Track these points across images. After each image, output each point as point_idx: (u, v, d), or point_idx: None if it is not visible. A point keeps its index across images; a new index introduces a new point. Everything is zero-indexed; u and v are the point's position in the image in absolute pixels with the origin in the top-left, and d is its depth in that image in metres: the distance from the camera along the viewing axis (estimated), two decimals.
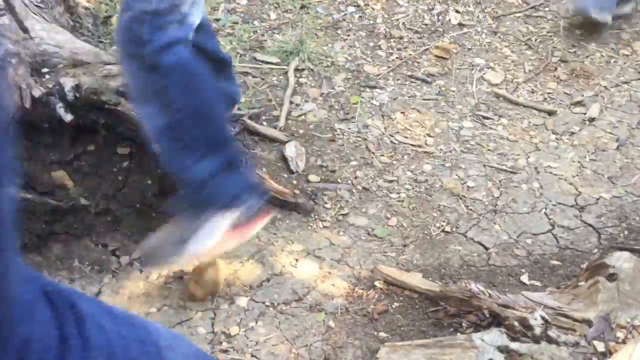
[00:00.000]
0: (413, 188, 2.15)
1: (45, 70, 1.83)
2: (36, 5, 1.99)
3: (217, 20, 2.76)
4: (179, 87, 1.53)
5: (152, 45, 1.49)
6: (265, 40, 2.70)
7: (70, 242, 1.80)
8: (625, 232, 1.96)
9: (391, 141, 2.32)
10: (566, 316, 1.42)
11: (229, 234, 1.60)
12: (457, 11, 2.92)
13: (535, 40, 2.81)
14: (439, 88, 2.57)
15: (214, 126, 1.60)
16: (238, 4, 2.86)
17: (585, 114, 2.45)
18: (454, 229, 2.01)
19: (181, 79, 1.53)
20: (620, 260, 1.45)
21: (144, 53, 1.50)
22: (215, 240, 1.58)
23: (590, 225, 2.01)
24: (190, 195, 1.61)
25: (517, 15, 2.94)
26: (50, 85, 1.80)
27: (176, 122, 1.55)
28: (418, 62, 2.68)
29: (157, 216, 1.91)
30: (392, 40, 2.77)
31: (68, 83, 1.78)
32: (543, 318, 1.40)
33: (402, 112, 2.44)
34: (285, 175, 2.14)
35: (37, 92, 1.76)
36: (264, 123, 2.33)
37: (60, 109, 1.77)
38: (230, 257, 1.85)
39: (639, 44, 2.80)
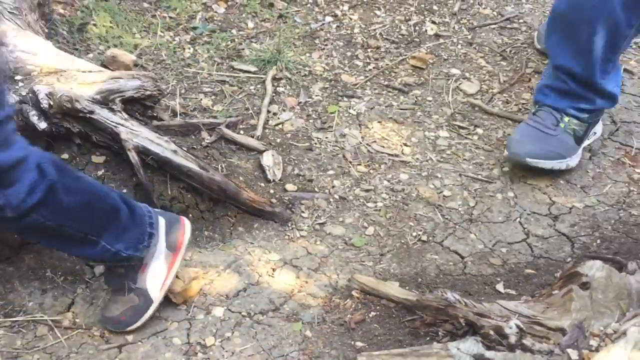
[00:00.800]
0: (390, 197, 2.16)
1: (18, 77, 1.80)
2: (9, 12, 1.97)
3: (194, 28, 2.75)
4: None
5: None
6: (243, 49, 2.70)
7: (42, 253, 1.77)
8: (598, 241, 1.99)
9: (368, 150, 2.33)
10: (540, 324, 1.43)
11: (166, 265, 1.62)
12: (433, 22, 2.95)
13: (510, 51, 2.86)
14: (416, 98, 2.59)
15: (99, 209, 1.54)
16: (215, 12, 2.85)
17: None
18: (431, 238, 2.03)
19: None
20: (593, 269, 1.48)
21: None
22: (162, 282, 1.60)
23: (563, 234, 2.04)
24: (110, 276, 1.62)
25: (492, 26, 2.98)
26: (24, 93, 1.77)
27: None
28: (395, 72, 2.70)
29: None
30: (369, 50, 2.79)
31: (42, 91, 1.75)
32: (518, 327, 1.41)
33: (379, 122, 2.46)
34: (262, 184, 2.14)
35: (11, 100, 1.73)
36: (241, 132, 2.32)
37: (33, 117, 1.74)
38: (207, 267, 1.84)
39: None
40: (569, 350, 1.38)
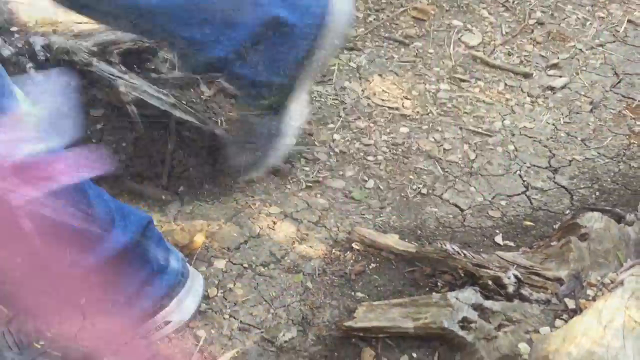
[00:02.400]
0: (390, 151, 2.16)
1: (14, 28, 1.77)
2: None
3: None
4: None
5: None
6: None
7: None
8: (597, 194, 2.00)
9: (368, 104, 2.32)
10: (538, 275, 1.45)
11: None
12: None
13: (513, 2, 2.80)
14: (417, 50, 2.56)
15: None
16: None
17: (560, 76, 2.47)
18: (430, 191, 2.03)
19: None
20: (592, 221, 1.49)
21: None
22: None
23: (563, 186, 2.05)
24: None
25: None
26: (20, 45, 1.75)
27: None
28: (396, 24, 2.66)
29: (132, 179, 1.89)
30: (369, 1, 2.73)
31: (38, 42, 1.73)
32: (516, 277, 1.43)
33: (379, 75, 2.43)
34: None
35: (6, 52, 1.71)
36: None
37: (30, 69, 1.72)
38: (208, 219, 1.85)
39: (614, 6, 2.81)
40: (567, 300, 1.41)
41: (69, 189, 1.12)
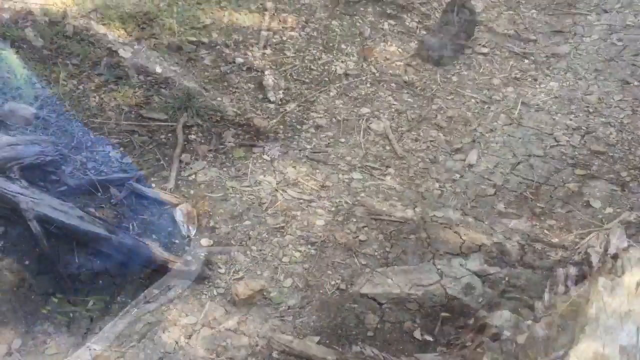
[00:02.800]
0: (306, 246, 2.17)
1: None
2: None
3: (100, 75, 2.67)
4: None
5: None
6: (152, 96, 2.64)
7: None
8: (507, 279, 2.08)
9: (284, 197, 2.33)
10: None
11: None
12: (342, 61, 3.00)
13: (417, 88, 2.95)
14: (328, 139, 2.62)
15: None
16: (122, 57, 2.77)
17: (464, 160, 2.59)
18: (349, 286, 2.05)
19: None
20: (502, 319, 1.54)
21: None
22: None
23: (474, 273, 2.11)
24: None
25: (399, 63, 3.07)
26: None
27: None
28: (307, 114, 2.72)
29: (37, 298, 1.79)
30: (280, 91, 2.80)
31: None
32: None
33: (293, 167, 2.47)
34: (177, 241, 2.09)
35: None
36: (153, 185, 2.26)
37: None
38: (120, 337, 1.77)
39: (509, 89, 3.01)
40: None
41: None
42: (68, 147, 2.29)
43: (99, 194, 2.11)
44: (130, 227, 2.04)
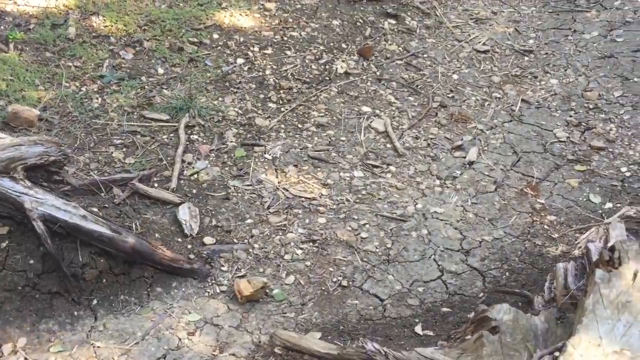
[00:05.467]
0: (308, 243, 2.19)
1: None
2: None
3: (102, 77, 2.69)
4: None
5: None
6: (154, 97, 2.66)
7: None
8: (507, 274, 2.09)
9: (285, 196, 2.35)
10: None
11: None
12: (342, 60, 3.02)
13: (417, 86, 2.97)
14: (330, 138, 2.64)
15: None
16: (123, 59, 2.80)
17: (465, 157, 2.60)
18: (350, 283, 2.06)
19: None
20: (501, 313, 1.55)
21: None
22: None
23: (475, 269, 2.13)
24: None
25: (399, 62, 3.09)
26: None
27: None
28: (308, 113, 2.74)
29: (41, 297, 1.81)
30: (281, 91, 2.82)
31: None
32: None
33: (294, 165, 2.48)
34: (180, 240, 2.11)
35: None
36: (156, 185, 2.28)
37: None
38: (123, 335, 1.79)
39: (509, 86, 3.02)
40: None
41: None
42: (71, 147, 2.32)
43: (102, 193, 2.13)
44: (134, 226, 2.06)
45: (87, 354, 1.72)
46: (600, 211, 2.32)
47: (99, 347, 1.74)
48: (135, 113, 2.58)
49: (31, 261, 1.80)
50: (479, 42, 3.27)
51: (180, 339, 1.79)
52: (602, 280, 1.42)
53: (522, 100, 2.92)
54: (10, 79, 2.55)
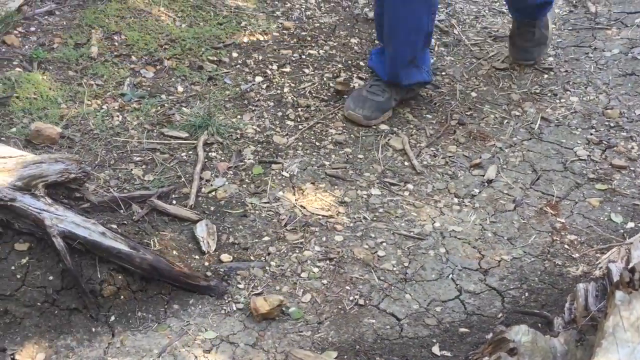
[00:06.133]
0: (325, 261, 2.18)
1: None
2: None
3: (123, 95, 2.74)
4: None
5: None
6: (174, 114, 2.69)
7: None
8: (526, 294, 2.07)
9: (302, 213, 2.35)
10: None
11: None
12: (360, 78, 3.03)
13: (435, 104, 2.96)
14: (347, 156, 2.64)
15: None
16: (144, 77, 2.84)
17: (483, 175, 2.59)
18: (367, 302, 2.05)
19: None
20: (519, 334, 1.53)
21: None
22: None
23: (494, 288, 2.10)
24: None
25: None
26: None
27: None
28: (326, 131, 2.75)
29: (60, 313, 1.83)
30: (299, 109, 2.83)
31: None
32: None
33: (312, 183, 2.49)
34: (197, 257, 2.12)
35: None
36: (174, 202, 2.30)
37: None
38: (140, 352, 1.80)
39: (528, 104, 3.00)
40: None
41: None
42: (92, 164, 2.35)
43: (121, 210, 2.15)
44: (152, 243, 2.08)
45: None
46: (622, 231, 2.28)
47: None
48: (155, 131, 2.61)
49: (50, 277, 1.83)
50: (498, 60, 3.26)
51: (196, 357, 1.79)
52: (622, 302, 1.39)
53: (542, 118, 2.90)
54: (33, 97, 2.60)
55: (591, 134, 2.79)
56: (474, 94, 3.05)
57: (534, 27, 3.00)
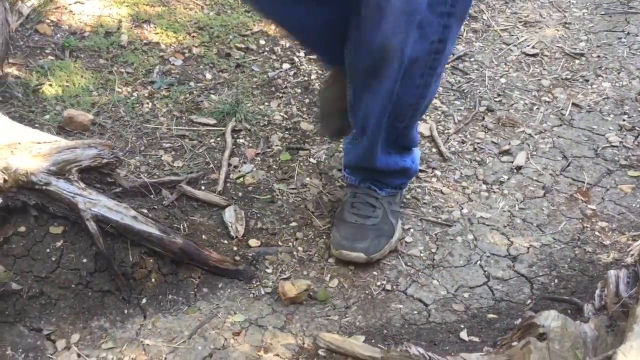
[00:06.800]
0: None
1: None
2: None
3: (152, 82, 2.77)
4: None
5: None
6: (202, 102, 2.72)
7: (1, 329, 1.74)
8: (556, 281, 2.05)
9: (329, 199, 2.36)
10: None
11: None
12: None
13: (463, 90, 2.93)
14: None
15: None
16: (173, 65, 2.87)
17: (512, 162, 2.56)
18: (394, 287, 2.05)
19: None
20: (549, 319, 1.52)
21: None
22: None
23: (522, 275, 2.09)
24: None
25: (445, 66, 3.05)
26: None
27: None
28: None
29: (93, 295, 1.87)
30: None
31: None
32: None
33: (338, 170, 2.49)
34: (226, 242, 2.14)
35: None
36: (203, 187, 2.33)
37: None
38: (171, 333, 1.83)
39: (559, 90, 2.96)
40: None
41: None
42: (123, 150, 2.39)
43: (152, 195, 2.18)
44: (181, 227, 2.10)
45: (136, 351, 1.76)
46: None
47: (148, 344, 1.78)
48: (184, 117, 2.64)
49: (84, 260, 1.87)
50: (528, 45, 3.22)
51: (226, 339, 1.82)
52: None
53: (573, 104, 2.85)
54: (65, 85, 2.65)
55: (624, 120, 2.74)
56: (503, 80, 3.02)
57: (377, 199, 2.10)
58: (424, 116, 2.78)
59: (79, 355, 1.75)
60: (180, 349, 1.77)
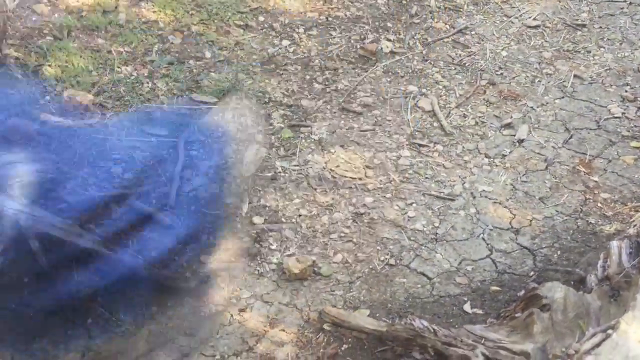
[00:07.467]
0: (355, 222, 2.20)
1: None
2: None
3: (152, 61, 2.75)
4: None
5: None
6: (202, 80, 2.71)
7: None
8: (559, 252, 2.06)
9: (332, 176, 2.37)
10: (506, 349, 1.48)
11: None
12: (388, 39, 2.99)
13: (464, 64, 2.92)
14: (376, 118, 2.63)
15: None
16: (172, 43, 2.85)
17: (514, 135, 2.56)
18: (398, 261, 2.07)
19: None
20: (552, 291, 1.54)
21: None
22: None
23: (525, 247, 2.10)
24: None
25: (445, 40, 3.04)
26: None
27: None
28: (354, 93, 2.74)
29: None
30: (327, 72, 2.82)
31: None
32: (484, 354, 1.46)
33: (341, 145, 2.49)
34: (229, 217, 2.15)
35: None
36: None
37: None
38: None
39: (560, 62, 2.94)
40: None
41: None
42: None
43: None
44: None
45: None
46: None
47: None
48: (184, 96, 2.63)
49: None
50: (529, 17, 3.19)
51: (232, 315, 1.84)
52: None
53: (575, 75, 2.84)
54: (65, 65, 2.64)
55: (626, 92, 2.73)
56: (504, 53, 3.00)
57: None
58: (425, 90, 2.77)
59: None
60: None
